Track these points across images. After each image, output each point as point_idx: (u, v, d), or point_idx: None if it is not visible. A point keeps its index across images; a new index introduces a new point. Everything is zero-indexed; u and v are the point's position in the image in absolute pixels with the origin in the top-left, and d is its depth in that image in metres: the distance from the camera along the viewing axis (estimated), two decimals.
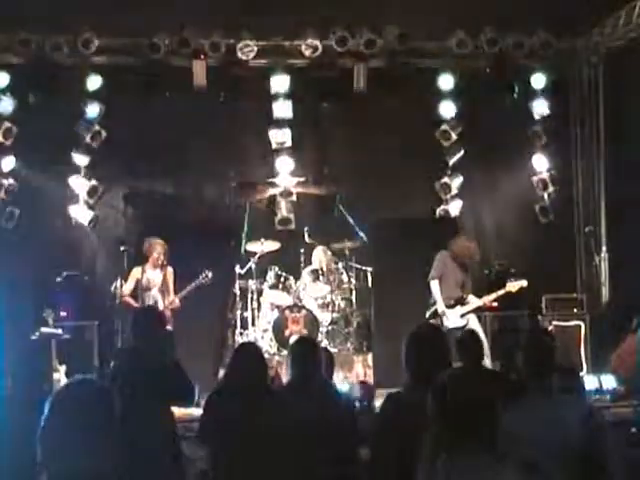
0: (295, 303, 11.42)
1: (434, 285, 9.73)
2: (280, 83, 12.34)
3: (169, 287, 9.97)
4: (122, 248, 10.73)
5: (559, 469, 4.32)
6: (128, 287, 10.04)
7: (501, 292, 9.86)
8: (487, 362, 9.58)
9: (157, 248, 9.95)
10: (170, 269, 10.01)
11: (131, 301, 9.95)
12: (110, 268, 11.74)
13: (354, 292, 11.88)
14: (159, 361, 5.55)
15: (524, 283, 9.88)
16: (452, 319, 9.66)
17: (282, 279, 11.67)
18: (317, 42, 12.15)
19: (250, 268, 11.67)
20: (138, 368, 5.42)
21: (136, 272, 9.99)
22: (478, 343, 6.67)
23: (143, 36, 12.04)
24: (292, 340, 7.16)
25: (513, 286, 9.84)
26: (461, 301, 9.73)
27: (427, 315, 9.77)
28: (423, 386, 4.16)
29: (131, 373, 5.43)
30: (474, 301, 9.77)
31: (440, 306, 9.65)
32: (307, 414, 5.34)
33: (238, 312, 11.51)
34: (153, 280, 9.93)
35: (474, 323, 9.82)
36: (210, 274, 9.89)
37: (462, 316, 9.68)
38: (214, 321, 11.06)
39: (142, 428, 5.22)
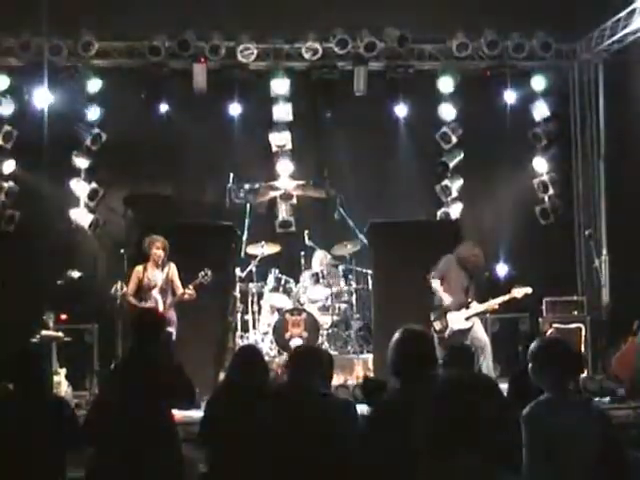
0: (295, 306, 11.40)
1: (435, 283, 9.72)
2: (280, 86, 12.36)
3: (175, 283, 9.87)
4: (122, 251, 10.72)
5: (581, 470, 4.35)
6: (131, 287, 9.94)
7: (506, 298, 9.85)
8: (490, 364, 9.59)
9: (156, 244, 9.86)
10: (173, 265, 9.90)
11: (133, 301, 9.84)
12: (110, 271, 11.75)
13: (354, 295, 11.87)
14: (158, 363, 5.54)
15: (529, 290, 9.87)
16: (457, 321, 9.65)
17: (282, 282, 11.66)
18: (317, 45, 12.17)
19: (250, 271, 11.66)
20: (138, 370, 5.41)
21: (137, 270, 9.91)
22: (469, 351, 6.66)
23: (143, 39, 12.06)
24: (293, 345, 7.19)
25: (518, 292, 9.83)
26: (465, 305, 9.72)
27: (432, 317, 9.74)
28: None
29: (131, 375, 5.42)
30: (479, 306, 9.76)
31: (447, 300, 9.63)
32: (306, 416, 5.34)
33: (239, 315, 11.49)
34: (154, 280, 9.85)
35: (478, 326, 9.82)
36: (210, 272, 9.83)
37: (467, 319, 9.67)
38: (215, 324, 11.02)
39: (142, 430, 5.22)
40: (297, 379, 5.61)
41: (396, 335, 4.80)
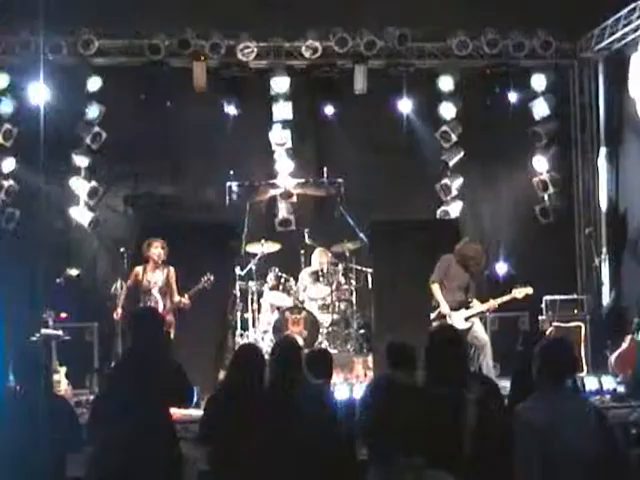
0: (295, 304, 11.41)
1: (435, 288, 9.67)
2: (280, 84, 12.35)
3: (172, 287, 9.87)
4: (122, 249, 10.73)
5: (580, 469, 4.35)
6: (125, 289, 9.97)
7: (506, 298, 9.81)
8: (490, 364, 9.58)
9: (154, 244, 9.86)
10: (172, 269, 9.90)
11: (121, 302, 9.88)
12: (110, 269, 11.75)
13: (354, 293, 11.86)
14: (158, 362, 5.54)
15: (529, 290, 9.83)
16: (456, 321, 9.61)
17: (282, 280, 11.66)
18: (317, 43, 12.16)
19: (250, 269, 11.66)
20: (137, 369, 5.41)
21: (137, 271, 9.92)
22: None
23: (143, 37, 12.05)
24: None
25: (519, 292, 9.80)
26: (465, 304, 9.68)
27: (432, 317, 9.71)
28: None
29: (130, 374, 5.42)
30: (479, 306, 9.73)
31: (444, 308, 9.59)
32: (305, 414, 5.34)
33: (238, 313, 11.50)
34: (154, 281, 9.85)
35: (478, 325, 9.79)
36: (212, 277, 9.83)
37: (467, 319, 9.64)
38: (214, 323, 11.02)
39: (141, 429, 5.22)
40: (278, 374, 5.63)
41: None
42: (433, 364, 4.58)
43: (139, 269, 9.90)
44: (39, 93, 11.76)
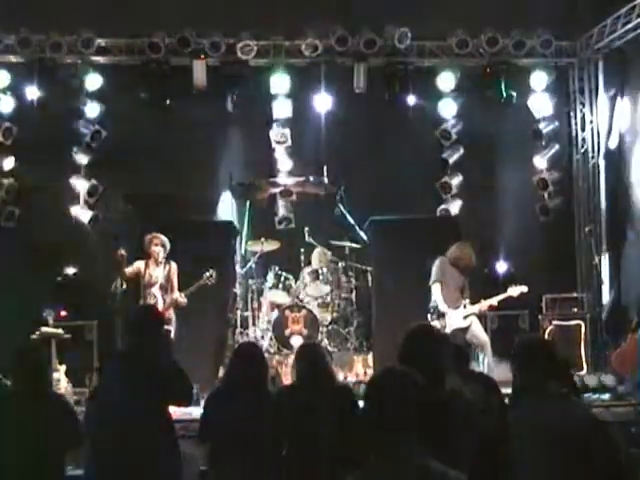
0: (295, 303, 11.39)
1: (435, 288, 9.74)
2: (280, 82, 12.35)
3: (173, 284, 9.84)
4: (122, 249, 10.71)
5: (568, 468, 4.34)
6: (129, 270, 9.87)
7: (502, 297, 9.87)
8: (489, 362, 9.59)
9: (154, 241, 9.84)
10: (174, 265, 9.87)
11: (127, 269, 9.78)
12: (110, 268, 11.72)
13: (354, 292, 11.86)
14: (156, 360, 5.53)
15: (525, 289, 9.89)
16: (455, 320, 9.66)
17: (282, 279, 11.65)
18: (317, 41, 12.16)
19: (250, 268, 11.66)
20: (135, 367, 5.40)
21: (139, 263, 9.90)
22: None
23: (143, 36, 12.05)
24: (296, 345, 7.13)
25: (514, 291, 9.85)
26: (462, 304, 9.73)
27: (429, 317, 9.74)
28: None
29: (128, 372, 5.41)
30: (476, 305, 9.77)
31: (442, 307, 9.65)
32: (312, 412, 5.35)
33: (238, 312, 11.48)
34: (155, 277, 9.83)
35: (476, 324, 9.82)
36: (215, 274, 9.81)
37: (465, 317, 9.68)
38: (214, 321, 11.03)
39: (140, 428, 5.21)
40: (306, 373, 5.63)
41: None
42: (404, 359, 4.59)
43: (141, 263, 9.90)
44: (38, 92, 11.83)
